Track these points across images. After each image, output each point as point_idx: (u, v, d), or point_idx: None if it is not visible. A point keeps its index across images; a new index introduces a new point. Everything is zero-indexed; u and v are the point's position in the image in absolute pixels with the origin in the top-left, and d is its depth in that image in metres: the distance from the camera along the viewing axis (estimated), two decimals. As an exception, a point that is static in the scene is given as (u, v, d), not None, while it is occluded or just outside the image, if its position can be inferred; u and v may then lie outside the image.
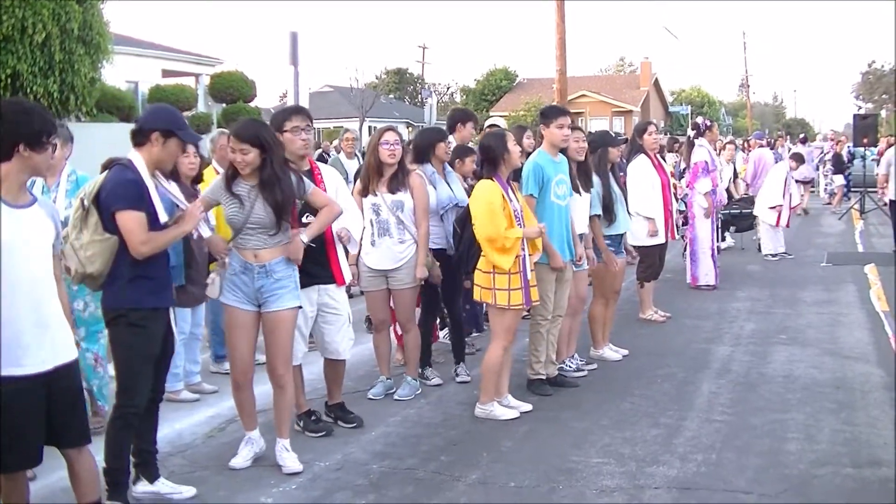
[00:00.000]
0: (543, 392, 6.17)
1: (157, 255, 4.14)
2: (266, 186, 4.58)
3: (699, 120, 11.25)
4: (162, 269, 4.24)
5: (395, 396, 6.16)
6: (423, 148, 6.62)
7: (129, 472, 4.28)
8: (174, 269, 4.45)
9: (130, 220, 4.01)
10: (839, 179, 21.73)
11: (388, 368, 6.35)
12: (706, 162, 10.20)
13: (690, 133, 11.06)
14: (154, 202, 4.12)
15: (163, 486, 4.45)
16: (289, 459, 4.84)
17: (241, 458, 4.87)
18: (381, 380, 6.29)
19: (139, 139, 4.15)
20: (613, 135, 8.05)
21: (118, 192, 4.02)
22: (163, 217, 4.17)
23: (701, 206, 10.09)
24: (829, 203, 21.40)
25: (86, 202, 4.06)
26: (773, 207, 12.79)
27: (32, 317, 3.41)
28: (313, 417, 5.47)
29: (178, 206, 4.26)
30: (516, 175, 6.15)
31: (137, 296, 4.10)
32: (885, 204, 14.77)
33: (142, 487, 4.43)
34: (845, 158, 22.41)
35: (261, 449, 4.95)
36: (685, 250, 10.81)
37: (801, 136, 24.44)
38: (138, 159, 4.13)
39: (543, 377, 6.26)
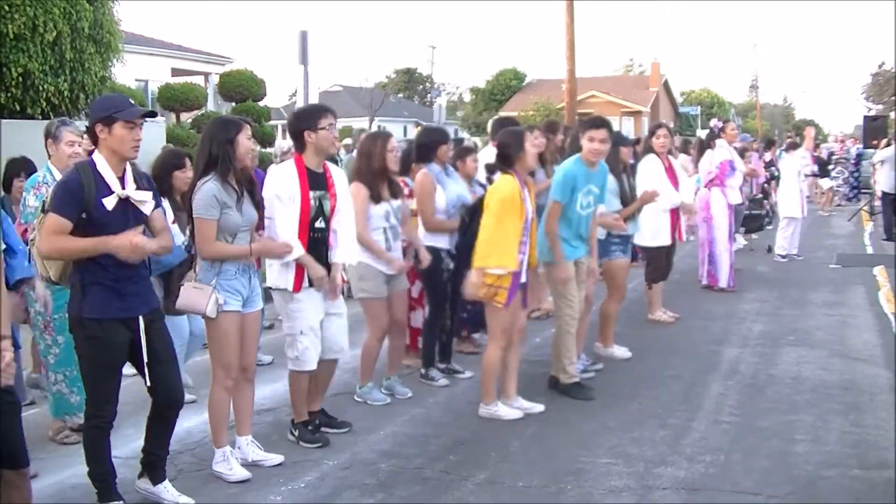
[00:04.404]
0: (587, 396, 6.09)
1: (120, 263, 3.98)
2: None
3: (713, 123, 11.21)
4: (128, 278, 4.07)
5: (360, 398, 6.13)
6: (427, 147, 6.63)
7: (115, 473, 4.24)
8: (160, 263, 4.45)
9: (46, 223, 3.95)
10: (826, 182, 21.93)
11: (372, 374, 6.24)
12: (731, 160, 10.20)
13: (701, 134, 11.04)
14: (105, 203, 3.97)
15: (164, 491, 4.37)
16: (267, 454, 4.93)
17: (241, 470, 4.73)
18: (371, 385, 6.15)
19: (92, 139, 4.10)
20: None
21: (53, 196, 4.01)
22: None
23: (727, 202, 10.07)
24: (840, 205, 21.43)
25: (46, 206, 4.03)
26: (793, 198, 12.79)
27: None
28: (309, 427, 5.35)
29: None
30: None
31: (93, 304, 3.96)
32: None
33: (144, 485, 4.40)
34: (825, 159, 22.66)
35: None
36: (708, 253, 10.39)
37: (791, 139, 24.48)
38: (98, 158, 4.05)
39: (578, 380, 6.23)
